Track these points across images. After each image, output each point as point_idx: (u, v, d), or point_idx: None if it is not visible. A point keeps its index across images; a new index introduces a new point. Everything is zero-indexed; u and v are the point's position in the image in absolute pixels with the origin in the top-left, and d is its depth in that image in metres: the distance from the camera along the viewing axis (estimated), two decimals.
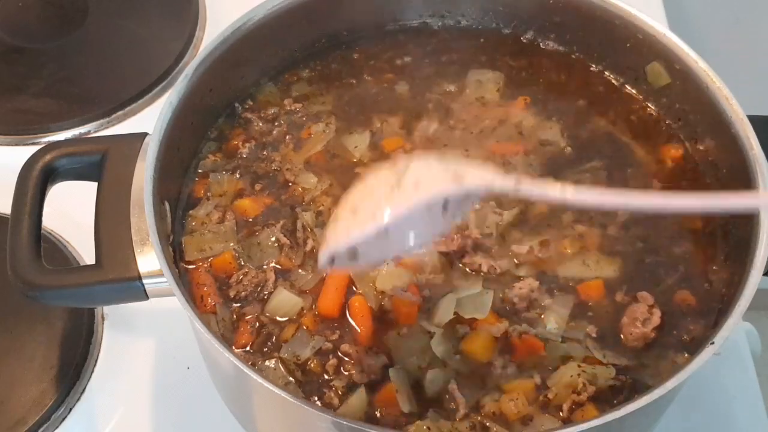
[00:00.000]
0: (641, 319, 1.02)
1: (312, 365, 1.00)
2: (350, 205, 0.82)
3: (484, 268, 1.07)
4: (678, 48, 1.16)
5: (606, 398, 0.97)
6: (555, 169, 1.18)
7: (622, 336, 1.02)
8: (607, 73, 1.28)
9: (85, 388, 1.24)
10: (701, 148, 1.17)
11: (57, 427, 1.20)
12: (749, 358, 1.31)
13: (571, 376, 0.98)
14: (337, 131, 1.21)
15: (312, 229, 1.10)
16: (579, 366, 0.98)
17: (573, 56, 1.30)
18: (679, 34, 1.17)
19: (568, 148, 1.20)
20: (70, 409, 1.22)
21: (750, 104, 1.11)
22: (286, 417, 0.99)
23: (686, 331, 1.02)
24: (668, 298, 1.05)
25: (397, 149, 1.19)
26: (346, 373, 1.00)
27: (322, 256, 0.82)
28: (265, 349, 1.02)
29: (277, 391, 0.87)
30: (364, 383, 0.98)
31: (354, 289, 1.05)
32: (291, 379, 0.99)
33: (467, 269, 1.07)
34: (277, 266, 1.08)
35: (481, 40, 1.32)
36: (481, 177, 0.80)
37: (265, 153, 1.19)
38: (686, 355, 1.00)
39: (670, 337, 1.02)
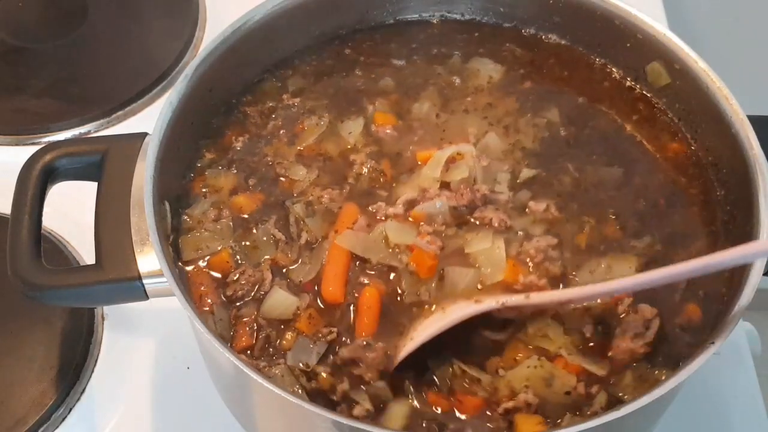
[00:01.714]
0: (633, 333, 0.98)
1: (322, 377, 0.98)
2: (408, 336, 1.02)
3: (495, 223, 1.06)
4: (678, 48, 1.17)
5: (575, 404, 0.95)
6: (556, 156, 1.17)
7: (611, 348, 0.99)
8: (609, 67, 1.28)
9: (85, 388, 1.24)
10: (702, 147, 1.17)
11: (57, 427, 1.20)
12: (749, 358, 1.31)
13: (528, 367, 0.97)
14: (331, 122, 1.21)
15: (304, 220, 1.09)
16: (539, 359, 0.97)
17: (575, 50, 1.30)
18: (679, 34, 1.18)
19: (570, 138, 1.20)
20: (70, 409, 1.22)
21: (750, 104, 1.11)
22: (286, 417, 0.99)
23: (678, 351, 0.98)
24: (674, 309, 1.02)
25: (386, 124, 1.20)
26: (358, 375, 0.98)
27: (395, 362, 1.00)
28: (266, 355, 1.00)
29: (277, 390, 0.87)
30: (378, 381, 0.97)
31: (353, 275, 1.05)
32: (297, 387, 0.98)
33: (477, 223, 1.07)
34: (274, 263, 1.07)
35: (476, 34, 1.33)
36: (495, 298, 1.00)
37: (258, 148, 1.19)
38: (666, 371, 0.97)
39: (659, 355, 0.99)
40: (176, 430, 1.22)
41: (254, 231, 1.10)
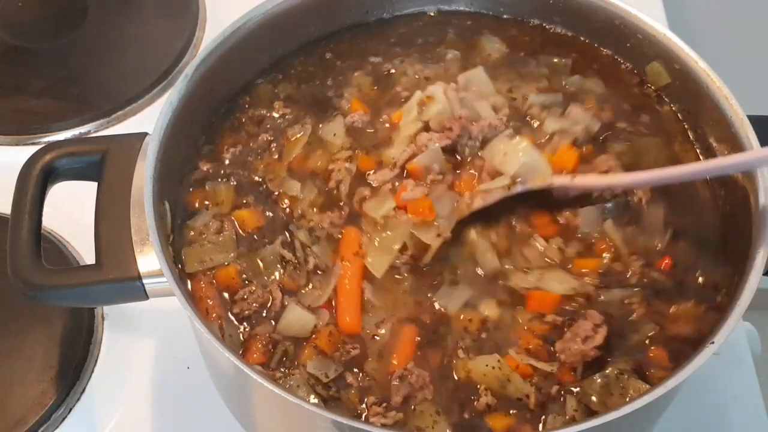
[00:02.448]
0: (582, 336, 0.98)
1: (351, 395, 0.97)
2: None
3: (503, 116, 1.09)
4: (678, 48, 1.17)
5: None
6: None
7: (557, 351, 0.99)
8: (615, 57, 1.27)
9: (85, 388, 1.24)
10: (702, 147, 1.17)
11: (57, 427, 1.20)
12: (749, 358, 1.31)
13: (486, 365, 0.97)
14: (314, 128, 1.18)
15: (309, 246, 1.07)
16: (498, 361, 0.97)
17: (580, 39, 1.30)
18: (679, 34, 1.18)
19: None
20: (70, 409, 1.22)
21: (750, 104, 1.11)
22: (286, 417, 0.99)
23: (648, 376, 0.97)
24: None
25: (363, 111, 1.19)
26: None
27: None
28: (283, 366, 0.99)
29: (276, 390, 0.87)
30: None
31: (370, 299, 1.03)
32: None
33: (481, 137, 1.09)
34: (282, 285, 1.04)
35: (469, 22, 1.32)
36: (542, 179, 1.07)
37: (249, 159, 1.16)
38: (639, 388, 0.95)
39: (615, 358, 0.98)
40: (176, 430, 1.22)
41: (260, 250, 1.07)
